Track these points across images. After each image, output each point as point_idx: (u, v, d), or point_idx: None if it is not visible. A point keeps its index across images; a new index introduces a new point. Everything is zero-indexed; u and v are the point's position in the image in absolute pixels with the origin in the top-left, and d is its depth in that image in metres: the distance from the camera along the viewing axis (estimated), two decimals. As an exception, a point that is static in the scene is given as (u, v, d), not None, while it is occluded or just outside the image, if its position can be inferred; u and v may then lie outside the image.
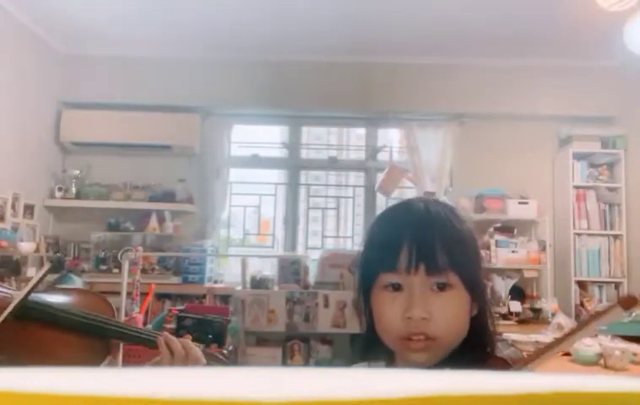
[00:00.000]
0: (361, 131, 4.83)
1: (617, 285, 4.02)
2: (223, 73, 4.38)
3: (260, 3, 3.62)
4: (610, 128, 4.20)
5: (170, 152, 4.36)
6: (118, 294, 2.82)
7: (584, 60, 4.21)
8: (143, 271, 3.37)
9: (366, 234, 0.78)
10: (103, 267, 4.13)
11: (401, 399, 0.20)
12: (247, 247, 4.73)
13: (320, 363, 3.66)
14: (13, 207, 3.83)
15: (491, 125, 4.36)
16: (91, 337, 0.99)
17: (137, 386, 0.20)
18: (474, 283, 0.71)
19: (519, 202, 4.14)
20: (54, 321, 0.96)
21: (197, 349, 1.01)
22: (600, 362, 2.19)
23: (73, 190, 4.30)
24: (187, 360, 0.99)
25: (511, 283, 3.96)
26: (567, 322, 2.85)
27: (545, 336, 2.61)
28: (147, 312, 2.98)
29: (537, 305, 3.74)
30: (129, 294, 2.90)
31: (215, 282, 4.27)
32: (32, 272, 3.76)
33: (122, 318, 2.50)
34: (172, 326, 2.69)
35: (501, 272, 4.00)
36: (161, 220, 4.25)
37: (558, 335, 2.61)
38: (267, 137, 4.80)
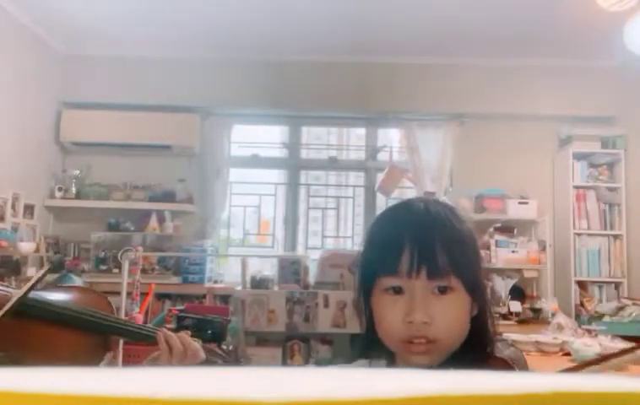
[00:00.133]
0: (361, 131, 4.83)
1: (617, 285, 4.02)
2: (223, 73, 4.38)
3: (260, 3, 3.62)
4: (610, 128, 4.20)
5: (170, 152, 4.36)
6: (118, 294, 2.82)
7: (584, 60, 4.21)
8: (143, 271, 3.37)
9: (366, 235, 0.78)
10: (103, 267, 4.13)
11: (401, 399, 0.20)
12: (247, 247, 4.73)
13: (320, 363, 3.66)
14: (13, 207, 3.83)
15: (491, 125, 4.36)
16: (91, 334, 0.99)
17: (137, 386, 0.20)
18: (475, 285, 0.71)
19: (519, 202, 4.14)
20: (54, 318, 0.96)
21: (195, 344, 1.02)
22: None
23: (73, 190, 4.30)
24: (185, 355, 0.99)
25: (511, 283, 3.96)
26: (567, 322, 2.85)
27: (545, 336, 2.61)
28: (147, 312, 2.98)
29: (537, 305, 3.74)
30: (129, 294, 2.90)
31: (215, 282, 4.27)
32: (32, 272, 3.75)
33: (122, 318, 2.49)
34: (172, 326, 2.69)
35: (501, 272, 4.00)
36: (161, 220, 4.25)
37: (558, 335, 2.61)
38: (267, 137, 4.80)
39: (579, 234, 4.05)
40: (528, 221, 4.19)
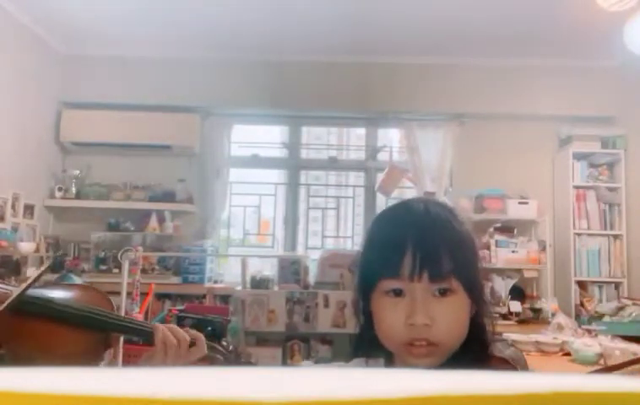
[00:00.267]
0: (361, 131, 4.83)
1: (617, 285, 4.02)
2: (223, 73, 4.38)
3: (260, 3, 3.62)
4: (610, 128, 4.20)
5: (170, 152, 4.36)
6: (118, 294, 2.82)
7: (584, 60, 4.21)
8: (143, 271, 3.37)
9: (365, 236, 0.78)
10: (103, 267, 4.13)
11: (401, 399, 0.20)
12: (247, 247, 4.73)
13: (320, 363, 3.66)
14: (13, 207, 3.83)
15: (491, 125, 4.36)
16: (92, 331, 0.99)
17: (137, 386, 0.20)
18: (474, 286, 0.71)
19: (519, 202, 4.14)
20: (53, 315, 0.96)
21: (196, 334, 1.01)
22: (600, 362, 2.18)
23: (73, 190, 4.30)
24: (180, 348, 0.98)
25: (511, 283, 3.96)
26: (567, 322, 2.85)
27: (545, 336, 2.61)
28: (147, 312, 2.98)
29: (537, 305, 3.74)
30: (129, 294, 2.90)
31: (215, 282, 4.27)
32: (32, 272, 3.75)
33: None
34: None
35: (501, 272, 4.00)
36: (161, 220, 4.25)
37: (558, 335, 2.61)
38: (267, 137, 4.80)
39: (579, 234, 4.05)
40: (528, 221, 4.19)
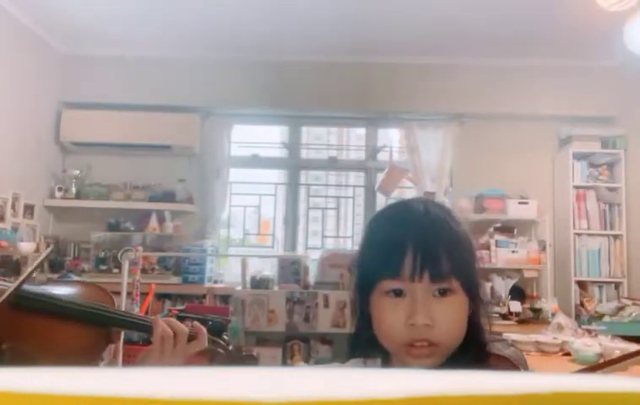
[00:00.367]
0: (361, 131, 4.83)
1: (617, 285, 4.02)
2: (223, 73, 4.38)
3: (260, 3, 3.62)
4: (610, 128, 4.20)
5: (170, 152, 4.36)
6: (118, 294, 2.82)
7: (584, 60, 4.21)
8: (143, 271, 3.37)
9: (364, 236, 0.77)
10: (103, 267, 4.13)
11: (401, 399, 0.20)
12: (247, 247, 4.73)
13: (320, 363, 3.66)
14: (13, 207, 3.83)
15: (491, 125, 4.36)
16: (92, 325, 1.00)
17: (137, 386, 0.20)
18: (473, 285, 0.72)
19: (519, 202, 4.14)
20: (56, 311, 0.97)
21: (198, 328, 1.01)
22: (600, 362, 2.18)
23: (73, 190, 4.30)
24: (179, 343, 0.98)
25: (511, 283, 3.96)
26: (567, 322, 2.85)
27: (545, 336, 2.61)
28: (147, 312, 2.97)
29: (537, 305, 3.74)
30: (129, 294, 2.90)
31: (215, 282, 4.27)
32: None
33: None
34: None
35: (501, 272, 4.00)
36: (161, 220, 4.25)
37: (558, 335, 2.61)
38: (267, 137, 4.80)
39: (579, 234, 4.05)
40: (528, 221, 4.19)
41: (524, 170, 4.31)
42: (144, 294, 2.99)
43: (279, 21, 3.85)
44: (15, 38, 3.83)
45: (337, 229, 4.79)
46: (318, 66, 4.39)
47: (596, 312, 3.36)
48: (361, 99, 4.43)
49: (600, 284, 4.01)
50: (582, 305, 3.88)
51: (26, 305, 0.94)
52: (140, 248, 3.12)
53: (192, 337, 1.00)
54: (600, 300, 3.89)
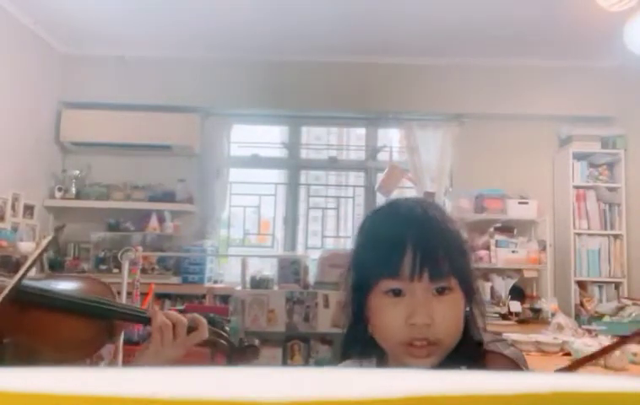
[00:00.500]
0: (361, 131, 4.83)
1: (617, 285, 4.02)
2: (223, 73, 4.38)
3: (260, 3, 3.62)
4: (610, 128, 4.20)
5: (170, 152, 4.36)
6: (118, 293, 2.81)
7: (584, 60, 4.21)
8: (143, 271, 3.37)
9: (360, 236, 0.77)
10: (103, 267, 4.13)
11: (401, 399, 0.20)
12: (247, 247, 4.73)
13: (320, 363, 3.66)
14: (13, 207, 3.83)
15: (491, 125, 4.36)
16: (94, 318, 1.00)
17: (137, 386, 0.20)
18: (469, 283, 0.72)
19: (519, 202, 4.14)
20: (57, 305, 0.97)
21: (199, 319, 1.02)
22: (600, 362, 2.19)
23: (73, 190, 4.29)
24: (178, 334, 0.98)
25: (511, 283, 3.96)
26: (567, 322, 2.85)
27: (545, 336, 2.61)
28: (147, 312, 2.97)
29: (537, 305, 3.74)
30: (129, 294, 2.90)
31: (215, 282, 4.27)
32: (31, 273, 3.75)
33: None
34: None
35: (501, 272, 4.00)
36: (161, 220, 4.25)
37: (558, 335, 2.61)
38: (267, 137, 4.80)
39: (579, 234, 4.05)
40: (528, 221, 4.19)
41: (524, 170, 4.31)
42: (144, 294, 2.99)
43: (279, 21, 3.85)
44: (15, 38, 3.83)
45: (337, 229, 4.79)
46: (318, 66, 4.39)
47: (596, 312, 3.36)
48: (361, 99, 4.43)
49: (600, 284, 4.01)
50: (582, 305, 3.88)
51: (27, 299, 0.95)
52: (140, 248, 3.11)
53: (192, 329, 1.00)
54: (600, 300, 3.90)
